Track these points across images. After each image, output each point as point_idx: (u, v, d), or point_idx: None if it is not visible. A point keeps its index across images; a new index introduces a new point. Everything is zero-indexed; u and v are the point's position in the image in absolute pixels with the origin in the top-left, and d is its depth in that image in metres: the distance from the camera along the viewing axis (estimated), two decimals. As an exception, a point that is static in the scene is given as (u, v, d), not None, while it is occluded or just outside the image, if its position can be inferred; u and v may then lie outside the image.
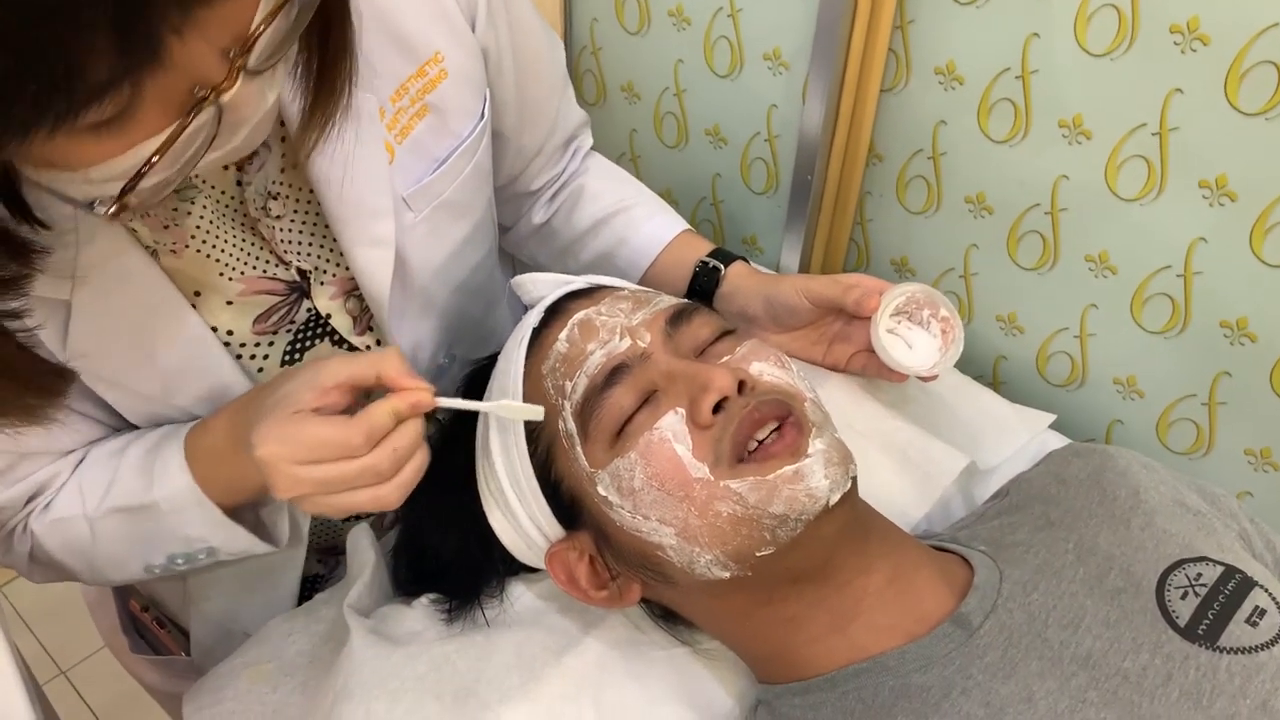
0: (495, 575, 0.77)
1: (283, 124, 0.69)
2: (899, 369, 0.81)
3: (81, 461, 0.73)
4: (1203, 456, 0.99)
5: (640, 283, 0.93)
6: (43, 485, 0.71)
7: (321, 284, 0.77)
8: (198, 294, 0.71)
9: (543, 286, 0.77)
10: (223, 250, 0.71)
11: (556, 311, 0.73)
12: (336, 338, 0.79)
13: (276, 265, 0.74)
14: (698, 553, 0.63)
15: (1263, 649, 0.60)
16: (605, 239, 0.95)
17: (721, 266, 0.89)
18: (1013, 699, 0.60)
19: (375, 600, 0.79)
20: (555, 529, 0.71)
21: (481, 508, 0.73)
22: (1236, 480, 0.97)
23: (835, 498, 0.62)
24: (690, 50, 1.16)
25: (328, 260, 0.76)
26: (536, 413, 0.67)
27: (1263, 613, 0.62)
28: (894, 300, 0.82)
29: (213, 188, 0.69)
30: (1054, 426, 0.96)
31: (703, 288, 0.90)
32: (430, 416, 0.89)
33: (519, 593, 0.78)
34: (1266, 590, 0.63)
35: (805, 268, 1.16)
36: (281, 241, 0.73)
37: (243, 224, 0.71)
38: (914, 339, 0.83)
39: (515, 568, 0.77)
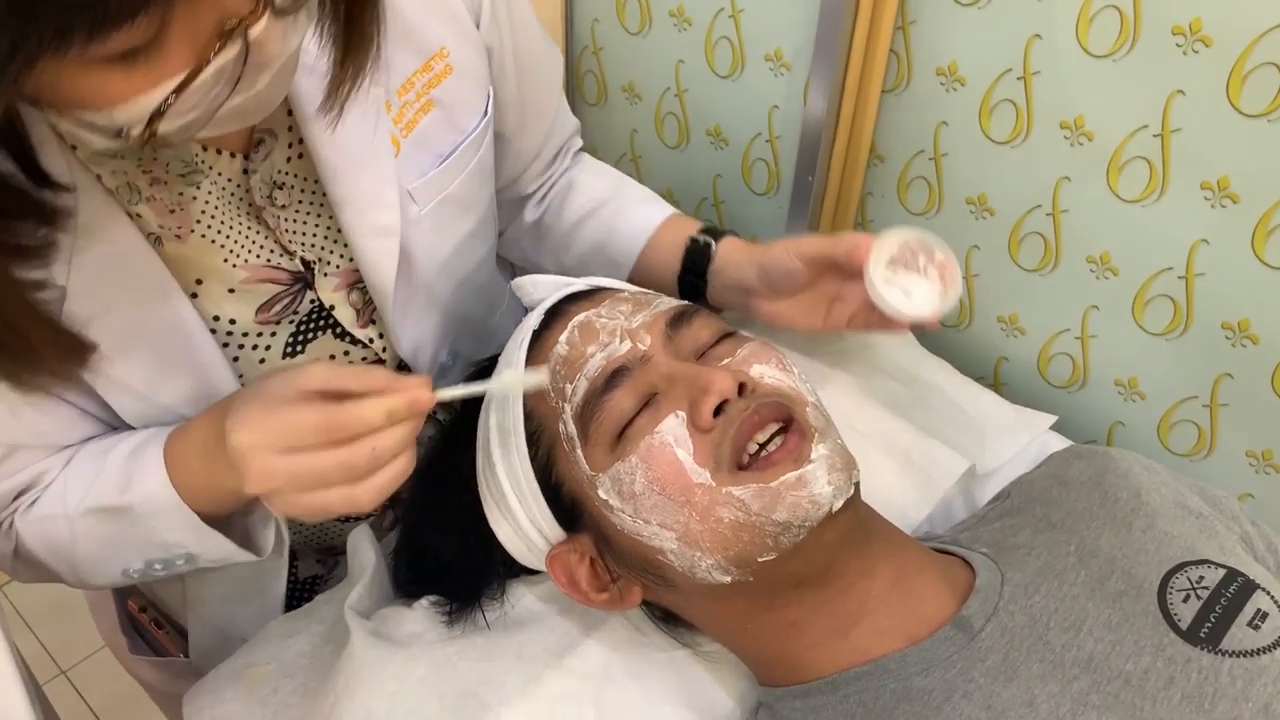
0: (496, 577, 0.77)
1: (290, 114, 0.69)
2: (898, 316, 0.78)
3: (71, 460, 0.72)
4: (1204, 458, 0.99)
5: (633, 270, 0.92)
6: (31, 482, 0.70)
7: (325, 275, 0.76)
8: (200, 282, 0.70)
9: (543, 288, 0.77)
10: (228, 236, 0.70)
11: (557, 314, 0.73)
12: (339, 330, 0.79)
13: (281, 255, 0.74)
14: (699, 557, 0.63)
15: (1264, 652, 0.60)
16: (595, 230, 0.94)
17: (712, 241, 0.88)
18: (1014, 702, 0.60)
19: (376, 602, 0.79)
20: (556, 531, 0.70)
21: (482, 509, 0.73)
22: (1238, 482, 0.97)
23: (839, 504, 0.62)
24: (691, 51, 1.16)
25: (331, 252, 0.76)
26: (540, 379, 0.66)
27: (1265, 616, 0.62)
28: (887, 248, 0.78)
29: (219, 174, 0.69)
30: (1055, 428, 0.96)
31: (695, 265, 0.88)
32: (430, 417, 0.90)
33: (520, 594, 0.78)
34: (1268, 593, 0.63)
35: (806, 269, 1.16)
36: (286, 231, 0.73)
37: (248, 212, 0.71)
38: (912, 286, 0.80)
39: (516, 570, 0.77)
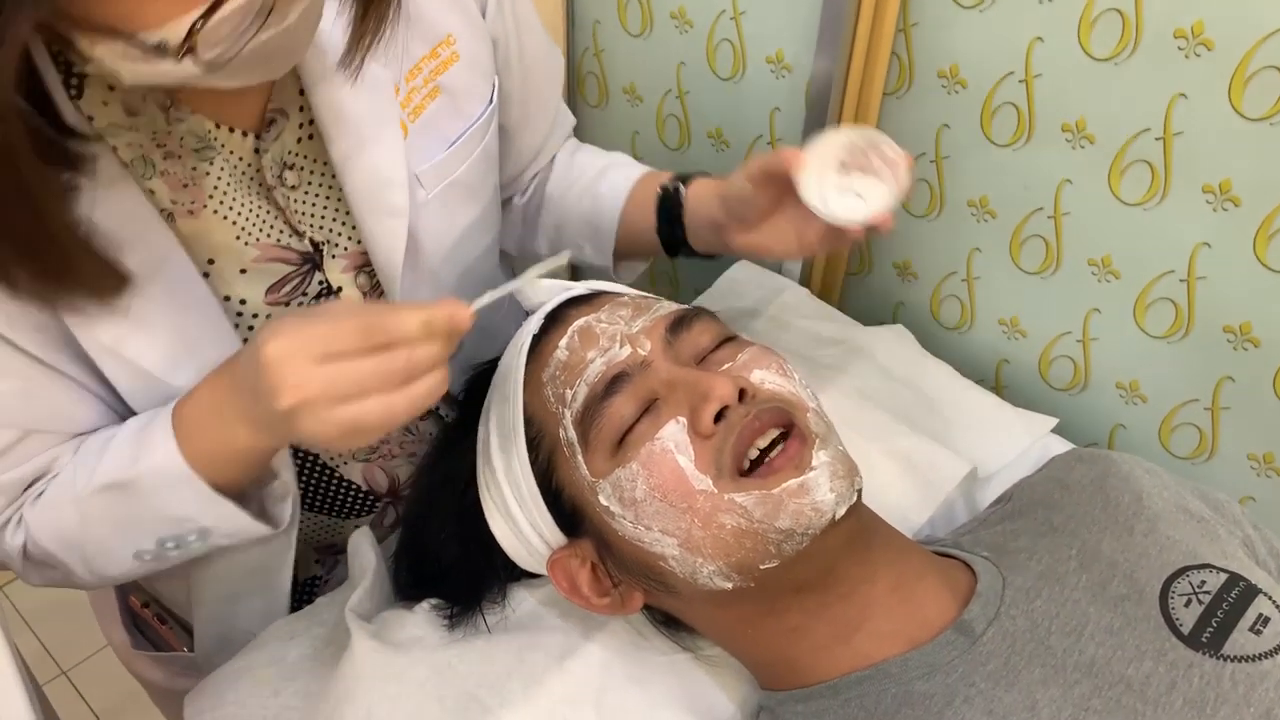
0: (497, 581, 0.77)
1: (302, 92, 0.70)
2: (836, 221, 0.73)
3: (79, 448, 0.70)
4: (1205, 461, 0.99)
5: (618, 236, 0.92)
6: (42, 471, 0.69)
7: (334, 257, 0.77)
8: (211, 261, 0.70)
9: (543, 292, 0.77)
10: (239, 213, 0.71)
11: (557, 318, 0.73)
12: None
13: (290, 235, 0.74)
14: (700, 563, 0.63)
15: (1266, 657, 0.60)
16: (579, 202, 0.95)
17: (681, 186, 0.88)
18: (1016, 707, 0.60)
19: (377, 604, 0.79)
20: (557, 536, 0.70)
21: (483, 513, 0.73)
22: (1239, 485, 0.97)
23: (841, 511, 0.62)
24: (693, 52, 1.16)
25: (340, 234, 0.76)
26: (560, 261, 0.68)
27: (1266, 621, 0.62)
28: (831, 153, 0.74)
29: (230, 152, 0.69)
30: (1056, 431, 0.96)
31: (670, 213, 0.88)
32: (432, 413, 0.90)
33: (521, 598, 0.78)
34: (1270, 598, 0.63)
35: (807, 271, 1.16)
36: (296, 212, 0.74)
37: (259, 191, 0.72)
38: (868, 189, 0.75)
39: (517, 573, 0.77)
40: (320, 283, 0.77)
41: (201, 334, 0.69)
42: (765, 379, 0.67)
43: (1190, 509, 0.71)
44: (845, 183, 0.75)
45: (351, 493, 0.89)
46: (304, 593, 0.96)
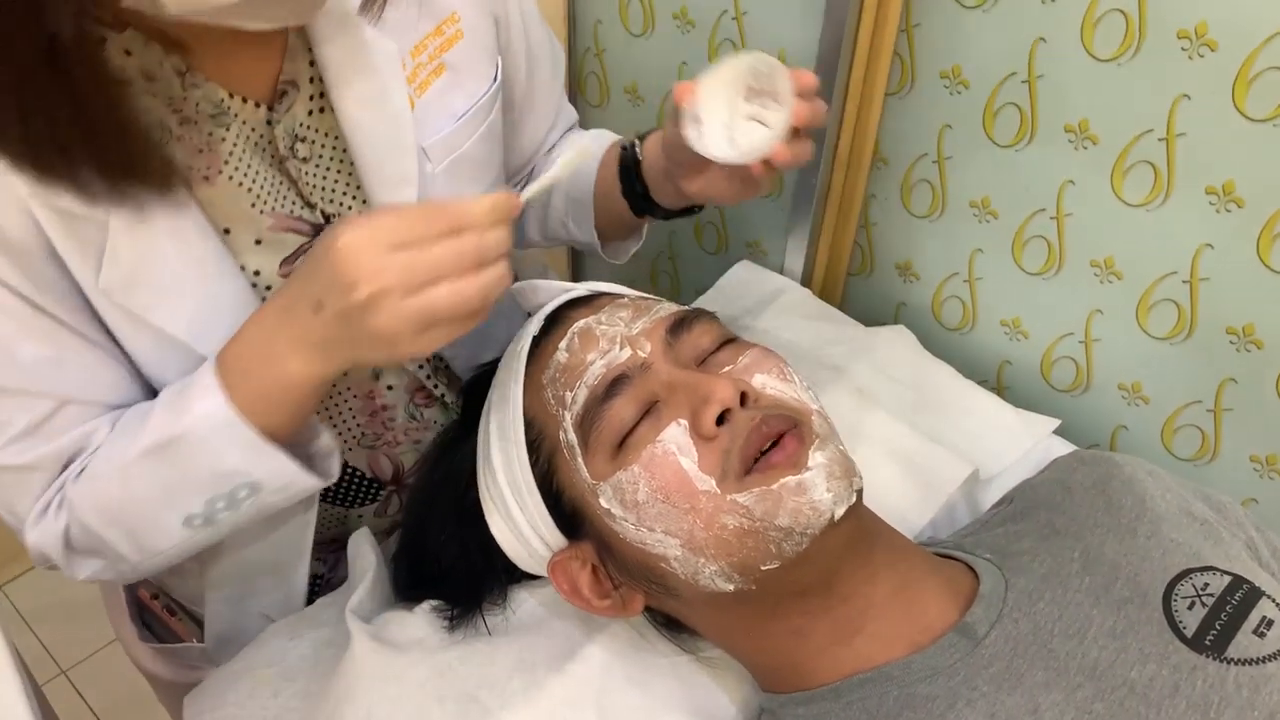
0: (497, 582, 0.77)
1: (313, 63, 0.70)
2: (724, 159, 0.70)
3: (118, 421, 0.69)
4: (1208, 463, 0.98)
5: (595, 208, 0.92)
6: (80, 446, 0.68)
7: None
8: (227, 231, 0.70)
9: (543, 294, 0.77)
10: (255, 181, 0.71)
11: (556, 320, 0.72)
12: None
13: (303, 207, 0.74)
14: (702, 564, 0.63)
15: (1270, 660, 0.60)
16: (565, 182, 0.94)
17: (637, 142, 0.88)
18: (1018, 710, 0.59)
19: (377, 605, 0.79)
20: (557, 538, 0.70)
21: (483, 514, 0.73)
22: (1242, 487, 0.97)
23: (840, 511, 0.62)
24: (694, 53, 1.16)
25: (350, 207, 0.77)
26: (585, 155, 0.74)
27: (1270, 623, 0.61)
28: (731, 83, 0.70)
29: (244, 123, 0.69)
30: (1058, 432, 0.96)
31: (630, 171, 0.88)
32: (439, 399, 0.89)
33: (521, 599, 0.78)
34: (1274, 600, 0.63)
35: (809, 271, 1.16)
36: (307, 184, 0.74)
37: (271, 161, 0.72)
38: (774, 120, 0.71)
39: (517, 575, 0.76)
40: None
41: (226, 301, 0.69)
42: (767, 384, 0.67)
43: (1193, 511, 0.71)
44: (759, 111, 0.71)
45: (356, 479, 0.89)
46: (305, 592, 0.96)
